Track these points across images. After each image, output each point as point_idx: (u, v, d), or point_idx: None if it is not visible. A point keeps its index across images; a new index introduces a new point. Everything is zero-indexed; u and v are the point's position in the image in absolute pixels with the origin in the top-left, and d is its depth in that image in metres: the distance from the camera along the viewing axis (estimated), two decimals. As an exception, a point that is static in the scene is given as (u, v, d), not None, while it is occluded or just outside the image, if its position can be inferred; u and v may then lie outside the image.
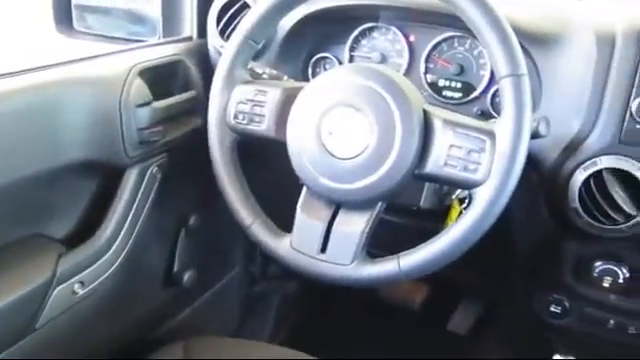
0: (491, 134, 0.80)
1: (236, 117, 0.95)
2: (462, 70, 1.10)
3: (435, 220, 1.06)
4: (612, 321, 1.08)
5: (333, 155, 0.86)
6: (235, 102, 0.95)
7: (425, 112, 0.84)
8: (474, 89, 1.10)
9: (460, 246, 0.82)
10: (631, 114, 0.90)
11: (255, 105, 0.94)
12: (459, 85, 1.12)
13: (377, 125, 0.84)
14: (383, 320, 1.78)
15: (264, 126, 0.94)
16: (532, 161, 0.98)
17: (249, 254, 1.59)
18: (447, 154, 0.82)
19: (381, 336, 1.71)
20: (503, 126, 0.79)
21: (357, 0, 1.11)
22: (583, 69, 0.95)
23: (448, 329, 1.77)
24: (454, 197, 1.02)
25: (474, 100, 1.10)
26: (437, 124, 0.83)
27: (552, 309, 1.12)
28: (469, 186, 0.82)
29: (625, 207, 0.91)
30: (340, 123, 0.86)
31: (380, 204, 0.87)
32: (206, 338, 1.15)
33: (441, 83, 1.13)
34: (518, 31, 0.96)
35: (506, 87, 0.79)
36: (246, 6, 1.15)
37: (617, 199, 0.91)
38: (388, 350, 1.67)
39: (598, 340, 1.13)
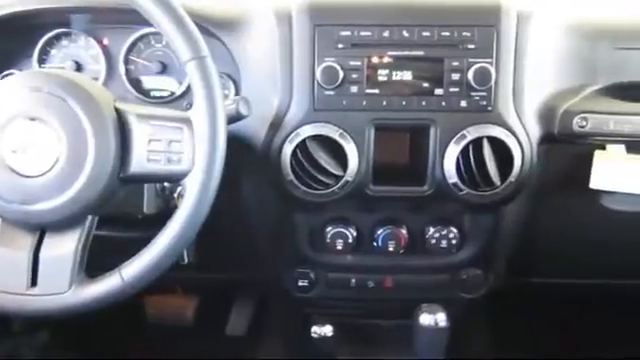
0: (188, 121, 0.79)
1: None
2: (165, 67, 1.08)
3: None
4: (353, 280, 1.14)
5: (21, 175, 0.78)
6: None
7: (117, 110, 0.80)
8: (180, 84, 1.08)
9: (180, 242, 0.79)
10: (318, 82, 0.96)
11: None
12: (165, 82, 1.09)
13: (64, 133, 0.77)
14: (160, 342, 1.69)
15: None
16: (244, 143, 1.00)
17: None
18: (148, 149, 0.79)
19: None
20: (197, 110, 0.79)
21: (25, 6, 1.01)
22: (271, 48, 0.99)
23: (227, 333, 1.74)
24: (176, 195, 0.99)
25: (183, 95, 1.09)
26: (132, 120, 0.79)
27: (300, 284, 1.15)
28: (178, 178, 0.80)
29: (332, 170, 0.97)
30: (22, 138, 0.78)
31: (90, 218, 0.81)
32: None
33: (147, 83, 1.09)
34: (204, 19, 0.98)
35: (192, 71, 0.78)
36: None
37: (323, 164, 0.96)
38: None
39: (348, 302, 1.20)
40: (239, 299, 1.79)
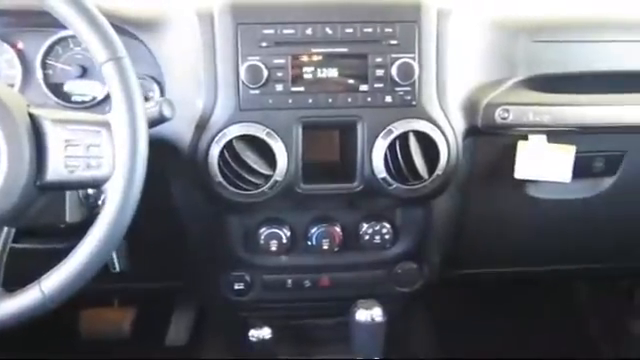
0: (106, 124, 0.77)
1: None
2: (85, 71, 1.05)
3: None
4: (289, 281, 1.13)
5: None
6: None
7: (31, 116, 0.76)
8: (102, 87, 1.04)
9: (103, 250, 0.77)
10: (242, 82, 0.95)
11: None
12: (86, 87, 1.05)
13: None
14: (97, 357, 1.63)
15: None
16: (170, 145, 0.98)
17: None
18: (65, 155, 0.76)
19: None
20: (116, 112, 0.76)
21: None
22: (194, 49, 0.97)
23: (167, 344, 1.70)
24: (100, 202, 0.95)
25: (106, 99, 1.05)
26: (47, 125, 0.76)
27: (236, 287, 1.13)
28: (98, 184, 0.77)
29: (260, 169, 0.96)
30: None
31: (6, 229, 0.78)
32: None
33: (67, 88, 1.05)
34: (122, 19, 0.96)
35: (108, 73, 0.76)
36: None
37: (251, 164, 0.95)
38: None
39: (285, 303, 1.19)
40: (178, 308, 1.75)
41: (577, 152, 1.05)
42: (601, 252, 1.30)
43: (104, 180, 0.76)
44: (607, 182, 1.14)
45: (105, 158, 0.76)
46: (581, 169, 1.08)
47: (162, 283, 1.28)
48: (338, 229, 1.08)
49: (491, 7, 1.08)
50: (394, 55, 0.96)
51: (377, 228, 1.08)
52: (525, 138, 1.06)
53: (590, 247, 1.27)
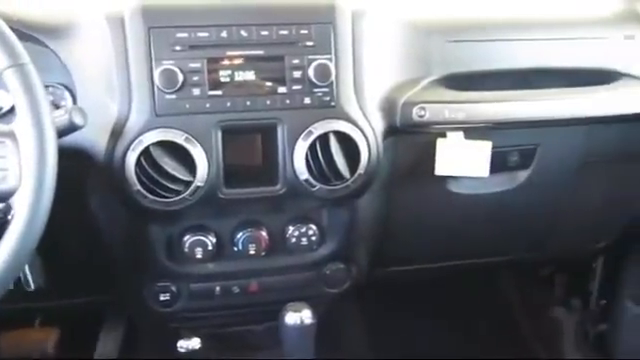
0: (11, 134, 0.74)
1: None
2: None
3: None
4: (218, 288, 1.12)
5: None
6: None
7: None
8: (5, 98, 0.99)
9: (12, 266, 0.73)
10: (157, 86, 0.93)
11: None
12: None
13: None
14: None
15: None
16: (85, 154, 0.95)
17: None
18: None
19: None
20: (20, 122, 0.74)
21: None
22: (105, 54, 0.94)
23: (95, 360, 1.64)
24: (10, 217, 0.91)
25: (13, 109, 1.00)
26: None
27: (162, 298, 1.10)
28: (5, 197, 0.74)
29: (180, 176, 0.94)
30: None
31: None
32: None
33: None
34: (26, 25, 0.92)
35: (10, 80, 0.73)
36: None
37: (170, 170, 0.93)
38: None
39: (214, 311, 1.17)
40: (106, 323, 1.69)
41: (493, 147, 1.08)
42: (521, 243, 1.35)
43: (10, 193, 0.73)
44: (522, 175, 1.19)
45: (11, 170, 0.73)
46: (498, 164, 1.12)
47: (86, 298, 1.24)
48: (264, 233, 1.07)
49: (405, 8, 1.11)
50: (310, 56, 0.96)
51: (303, 230, 1.08)
52: (444, 135, 1.08)
53: (511, 239, 1.32)
